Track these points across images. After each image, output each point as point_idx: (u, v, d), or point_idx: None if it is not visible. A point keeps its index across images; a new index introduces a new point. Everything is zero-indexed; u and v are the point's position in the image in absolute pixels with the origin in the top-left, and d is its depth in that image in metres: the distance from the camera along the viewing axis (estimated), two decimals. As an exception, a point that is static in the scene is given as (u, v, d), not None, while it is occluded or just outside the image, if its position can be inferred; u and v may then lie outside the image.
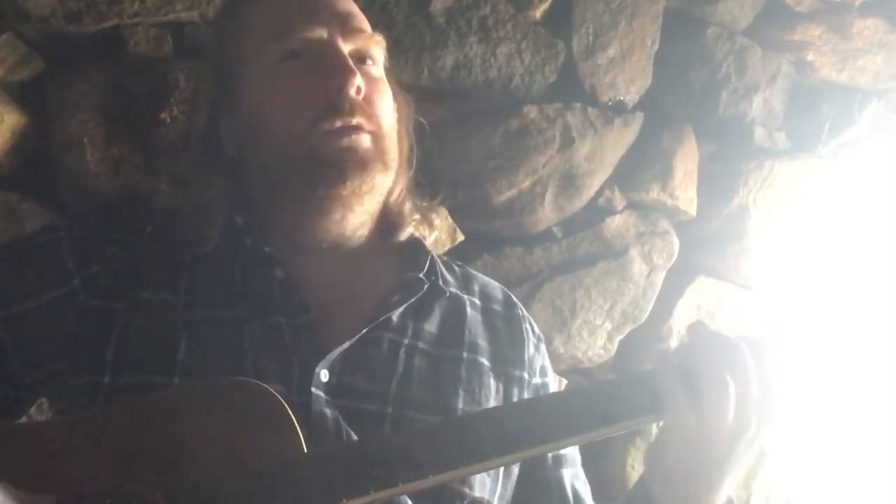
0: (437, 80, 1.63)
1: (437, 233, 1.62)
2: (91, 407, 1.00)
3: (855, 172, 2.13)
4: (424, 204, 1.26)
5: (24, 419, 1.17)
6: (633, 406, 0.96)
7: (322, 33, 1.11)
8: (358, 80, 1.08)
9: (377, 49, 1.15)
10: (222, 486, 0.85)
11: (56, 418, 1.13)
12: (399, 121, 1.18)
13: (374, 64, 1.15)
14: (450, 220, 1.65)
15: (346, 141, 1.08)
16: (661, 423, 0.99)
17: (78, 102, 1.37)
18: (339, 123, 1.07)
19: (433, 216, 1.31)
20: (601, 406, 0.95)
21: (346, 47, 1.11)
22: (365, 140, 1.09)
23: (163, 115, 1.38)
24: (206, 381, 0.97)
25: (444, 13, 1.63)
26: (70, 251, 1.07)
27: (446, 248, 1.65)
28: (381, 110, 1.12)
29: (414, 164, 1.23)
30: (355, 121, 1.08)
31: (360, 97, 1.09)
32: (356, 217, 1.12)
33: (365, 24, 1.15)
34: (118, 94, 1.38)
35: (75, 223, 1.13)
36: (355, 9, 1.17)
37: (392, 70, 1.21)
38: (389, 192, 1.17)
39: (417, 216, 1.23)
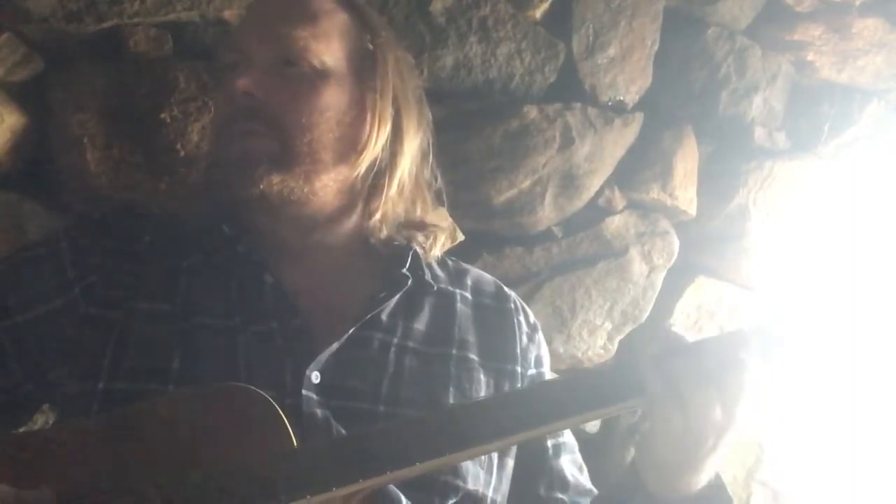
0: (437, 80, 1.63)
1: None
2: (88, 413, 1.01)
3: (855, 172, 2.13)
4: (418, 221, 1.23)
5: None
6: (616, 392, 0.99)
7: (248, 42, 1.13)
8: (243, 84, 1.08)
9: (305, 48, 1.10)
10: (216, 484, 0.86)
11: (58, 425, 1.14)
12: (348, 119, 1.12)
13: (296, 65, 1.10)
14: (450, 220, 1.65)
15: (238, 144, 1.09)
16: (649, 421, 1.01)
17: (78, 102, 1.37)
18: (233, 127, 1.11)
19: (439, 233, 1.26)
20: (584, 393, 0.98)
21: (261, 54, 1.11)
22: (258, 142, 1.09)
23: (163, 115, 1.38)
24: (200, 388, 0.98)
25: (444, 13, 1.62)
26: (70, 261, 1.09)
27: (446, 249, 1.65)
28: (291, 110, 1.09)
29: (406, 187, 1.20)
30: (246, 124, 1.09)
31: (254, 100, 1.09)
32: (291, 219, 1.13)
33: (292, 27, 1.11)
34: (118, 94, 1.38)
35: (75, 232, 1.14)
36: (295, 10, 1.13)
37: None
38: (369, 205, 1.16)
39: (401, 240, 1.20)
